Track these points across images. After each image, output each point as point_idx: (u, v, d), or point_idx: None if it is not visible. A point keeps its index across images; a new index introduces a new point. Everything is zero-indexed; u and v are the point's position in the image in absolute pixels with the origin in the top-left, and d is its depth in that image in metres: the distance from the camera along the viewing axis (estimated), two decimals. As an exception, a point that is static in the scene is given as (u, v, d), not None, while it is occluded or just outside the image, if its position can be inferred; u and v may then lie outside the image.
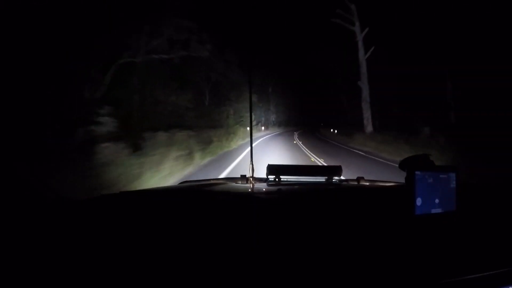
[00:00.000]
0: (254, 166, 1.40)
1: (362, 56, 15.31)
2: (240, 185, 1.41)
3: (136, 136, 6.39)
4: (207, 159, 8.63)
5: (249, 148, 1.49)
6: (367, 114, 15.60)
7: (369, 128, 15.42)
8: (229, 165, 7.65)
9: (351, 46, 15.76)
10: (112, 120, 5.96)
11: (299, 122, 55.48)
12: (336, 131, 25.32)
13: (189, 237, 0.69)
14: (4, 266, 0.58)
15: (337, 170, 1.42)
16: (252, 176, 1.39)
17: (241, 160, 8.52)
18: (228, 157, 9.45)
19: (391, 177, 2.00)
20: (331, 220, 0.78)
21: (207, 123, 14.68)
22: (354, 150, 11.98)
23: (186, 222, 0.76)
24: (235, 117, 20.52)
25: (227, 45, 18.53)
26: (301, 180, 1.47)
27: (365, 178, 1.46)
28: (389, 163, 7.96)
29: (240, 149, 11.64)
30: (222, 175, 6.04)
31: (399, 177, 0.77)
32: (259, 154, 9.54)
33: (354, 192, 1.19)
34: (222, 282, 0.56)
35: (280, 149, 12.09)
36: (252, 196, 1.04)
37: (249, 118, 21.02)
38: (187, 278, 0.57)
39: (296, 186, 1.31)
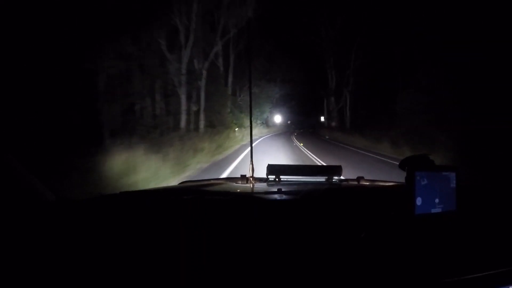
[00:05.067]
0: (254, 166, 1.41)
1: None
2: (240, 185, 1.41)
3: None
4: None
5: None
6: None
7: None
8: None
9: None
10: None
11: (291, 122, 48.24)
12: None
13: (189, 237, 0.69)
14: (4, 266, 0.58)
15: (337, 170, 1.42)
16: (252, 176, 1.39)
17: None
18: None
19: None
20: (331, 220, 0.78)
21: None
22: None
23: (186, 222, 0.76)
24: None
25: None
26: (301, 180, 1.47)
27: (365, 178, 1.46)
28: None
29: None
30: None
31: (402, 177, 0.77)
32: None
33: (354, 192, 1.19)
34: (222, 282, 0.56)
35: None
36: (252, 196, 1.04)
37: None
38: (187, 278, 0.57)
39: (296, 186, 1.31)
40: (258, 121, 22.42)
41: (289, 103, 37.65)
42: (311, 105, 44.38)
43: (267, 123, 31.18)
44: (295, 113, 44.58)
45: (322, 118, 40.12)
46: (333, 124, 28.86)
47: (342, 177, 1.46)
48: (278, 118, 36.27)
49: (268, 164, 1.40)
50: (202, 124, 12.96)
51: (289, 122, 45.25)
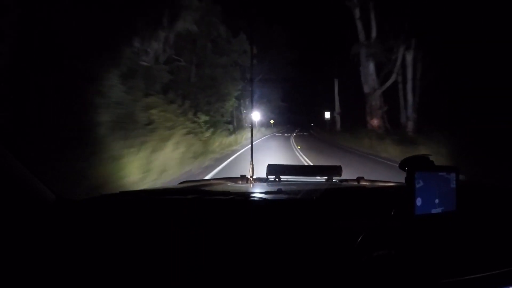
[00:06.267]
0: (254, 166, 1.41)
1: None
2: (240, 185, 1.41)
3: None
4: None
5: None
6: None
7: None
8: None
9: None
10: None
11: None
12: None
13: (188, 238, 0.69)
14: (5, 266, 0.58)
15: (337, 170, 1.42)
16: (252, 176, 1.39)
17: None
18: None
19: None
20: (331, 220, 0.78)
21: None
22: None
23: (186, 223, 0.76)
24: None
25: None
26: (301, 180, 1.48)
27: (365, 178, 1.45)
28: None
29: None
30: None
31: (401, 177, 0.77)
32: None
33: (354, 192, 1.19)
34: (222, 282, 0.56)
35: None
36: (252, 196, 1.04)
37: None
38: (187, 278, 0.57)
39: (296, 186, 1.31)
40: (219, 118, 12.81)
41: (272, 89, 24.03)
42: (305, 95, 32.11)
43: (236, 123, 16.56)
44: (280, 108, 31.47)
45: (327, 115, 26.53)
46: (375, 122, 14.41)
47: (342, 177, 1.46)
48: (256, 116, 22.22)
49: (268, 164, 1.40)
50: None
51: (272, 121, 32.21)
